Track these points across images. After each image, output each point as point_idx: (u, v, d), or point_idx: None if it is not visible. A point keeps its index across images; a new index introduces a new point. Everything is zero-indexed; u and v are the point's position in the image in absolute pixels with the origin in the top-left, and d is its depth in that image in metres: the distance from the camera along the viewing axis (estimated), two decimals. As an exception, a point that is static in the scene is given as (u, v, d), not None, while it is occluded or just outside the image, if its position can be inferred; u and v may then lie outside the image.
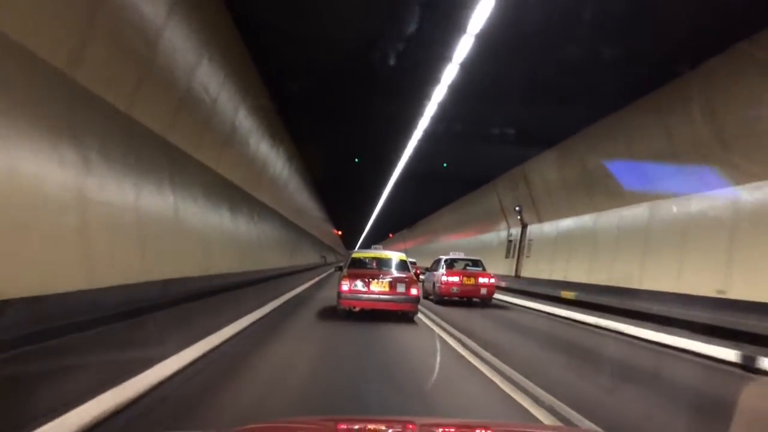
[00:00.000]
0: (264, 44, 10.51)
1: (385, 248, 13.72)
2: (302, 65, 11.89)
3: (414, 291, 10.63)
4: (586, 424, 4.22)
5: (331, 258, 43.34)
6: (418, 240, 46.77)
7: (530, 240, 20.87)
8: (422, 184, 24.86)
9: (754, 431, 3.60)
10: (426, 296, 16.37)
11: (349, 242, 61.34)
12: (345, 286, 10.55)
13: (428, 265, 20.16)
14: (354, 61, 11.09)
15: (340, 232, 28.44)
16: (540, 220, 20.12)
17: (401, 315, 10.81)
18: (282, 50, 10.94)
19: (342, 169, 23.74)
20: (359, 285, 10.52)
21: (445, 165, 20.85)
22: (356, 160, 21.75)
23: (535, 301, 15.85)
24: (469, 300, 15.66)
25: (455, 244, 29.44)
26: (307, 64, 11.75)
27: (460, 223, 32.63)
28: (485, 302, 15.61)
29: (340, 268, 12.10)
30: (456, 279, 15.31)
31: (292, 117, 15.91)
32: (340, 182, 26.86)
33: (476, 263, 16.84)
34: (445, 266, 15.90)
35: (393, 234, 46.53)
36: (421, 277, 18.84)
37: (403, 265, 11.76)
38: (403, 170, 22.47)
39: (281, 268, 17.84)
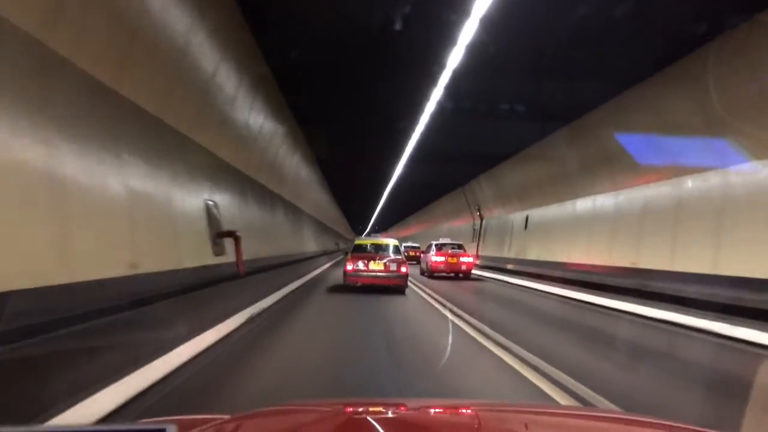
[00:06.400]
0: (264, 16, 9.53)
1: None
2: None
3: (403, 269, 12.98)
4: (606, 404, 4.20)
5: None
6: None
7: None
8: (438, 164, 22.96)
9: None
10: (422, 273, 21.40)
11: (356, 228, 64.04)
12: (349, 266, 12.87)
13: None
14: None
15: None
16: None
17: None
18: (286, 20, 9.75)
19: (349, 151, 21.78)
20: (360, 265, 12.80)
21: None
22: None
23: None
24: (456, 274, 20.56)
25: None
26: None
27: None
28: (466, 276, 20.53)
29: (346, 253, 14.81)
30: (443, 259, 20.21)
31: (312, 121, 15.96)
32: (347, 167, 25.52)
33: (459, 246, 21.73)
34: (435, 249, 20.88)
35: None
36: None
37: (395, 249, 14.08)
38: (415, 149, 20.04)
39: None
